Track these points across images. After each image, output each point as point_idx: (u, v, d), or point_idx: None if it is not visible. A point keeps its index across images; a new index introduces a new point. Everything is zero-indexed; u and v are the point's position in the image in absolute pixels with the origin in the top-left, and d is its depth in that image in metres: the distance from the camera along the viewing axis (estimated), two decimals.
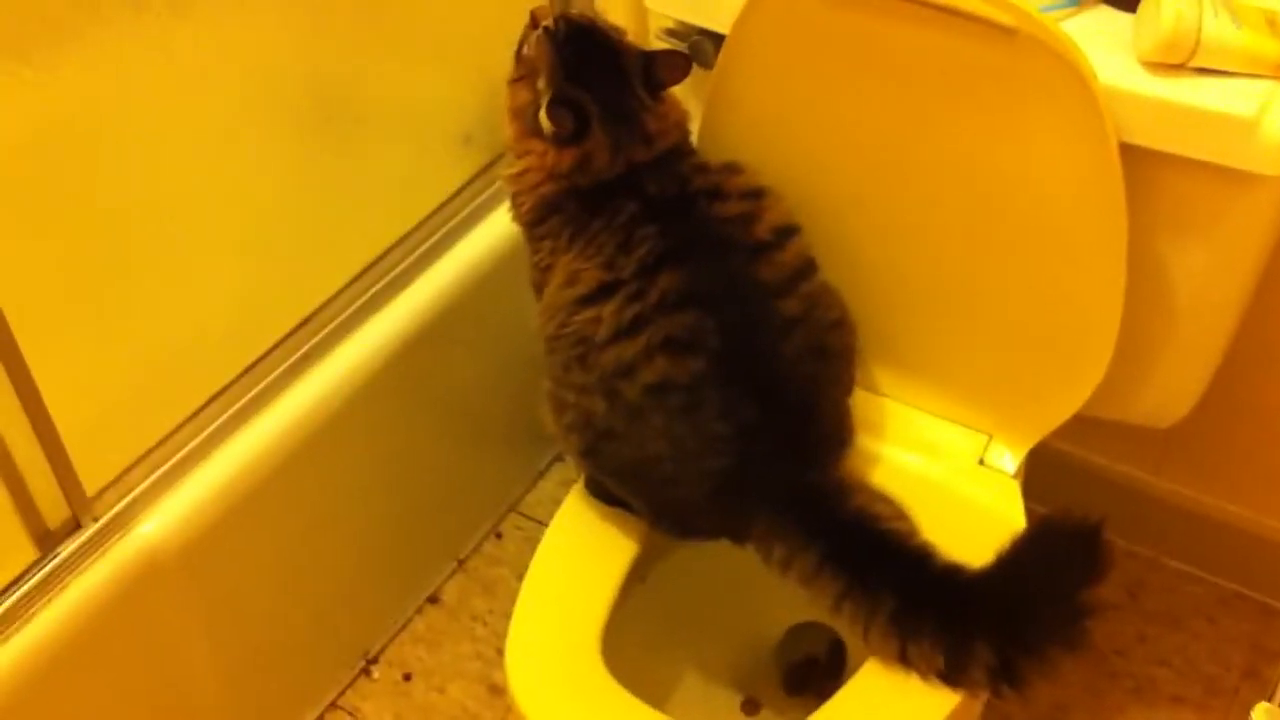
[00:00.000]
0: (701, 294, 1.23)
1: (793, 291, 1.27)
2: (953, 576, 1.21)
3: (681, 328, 1.22)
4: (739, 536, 1.28)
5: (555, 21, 1.32)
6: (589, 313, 1.26)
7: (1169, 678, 1.69)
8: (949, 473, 1.40)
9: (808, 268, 1.30)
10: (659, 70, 1.31)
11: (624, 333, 1.23)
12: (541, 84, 1.31)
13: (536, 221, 1.34)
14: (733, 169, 1.33)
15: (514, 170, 1.35)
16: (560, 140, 1.29)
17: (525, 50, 1.34)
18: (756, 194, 1.31)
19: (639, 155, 1.29)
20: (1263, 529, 1.71)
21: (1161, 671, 1.70)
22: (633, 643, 1.29)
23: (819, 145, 1.37)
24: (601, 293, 1.26)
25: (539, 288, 1.35)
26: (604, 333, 1.24)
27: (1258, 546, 1.72)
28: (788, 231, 1.30)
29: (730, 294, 1.25)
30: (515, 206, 1.37)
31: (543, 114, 1.28)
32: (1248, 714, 0.77)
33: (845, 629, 1.23)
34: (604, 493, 1.37)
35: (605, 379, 1.25)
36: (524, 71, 1.33)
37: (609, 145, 1.28)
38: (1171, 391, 1.41)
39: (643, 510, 1.34)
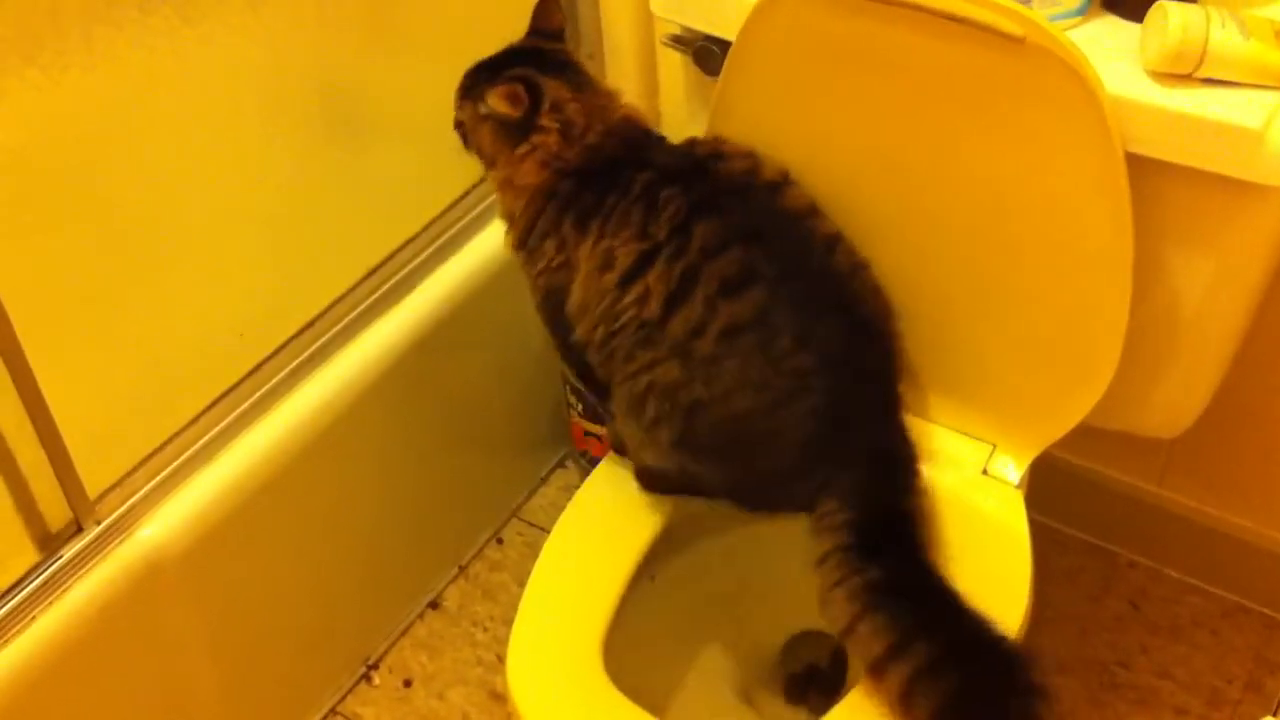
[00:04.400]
0: (740, 231, 1.26)
1: (819, 214, 1.32)
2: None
3: (732, 266, 1.24)
4: (812, 502, 1.27)
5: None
6: (635, 289, 1.26)
7: (1171, 689, 1.69)
8: (953, 482, 1.39)
9: (817, 207, 1.34)
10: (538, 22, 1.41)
11: (678, 295, 1.24)
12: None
13: (531, 223, 1.34)
14: (720, 138, 1.38)
15: (503, 176, 1.36)
16: (522, 117, 1.31)
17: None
18: (749, 153, 1.35)
19: (603, 103, 1.35)
20: (1266, 541, 1.71)
21: (1164, 683, 1.70)
22: (634, 650, 1.29)
23: (824, 152, 1.37)
24: (642, 263, 1.26)
25: (551, 301, 1.35)
26: (656, 304, 1.25)
27: (1261, 558, 1.72)
28: (789, 178, 1.35)
29: (766, 224, 1.28)
30: (512, 217, 1.37)
31: (493, 97, 1.31)
32: None
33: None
34: (661, 483, 1.38)
35: (677, 346, 1.25)
36: (463, 117, 1.39)
37: (571, 99, 1.32)
38: (1176, 402, 1.41)
39: (719, 488, 1.34)
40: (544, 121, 1.31)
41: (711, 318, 1.23)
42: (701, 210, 1.26)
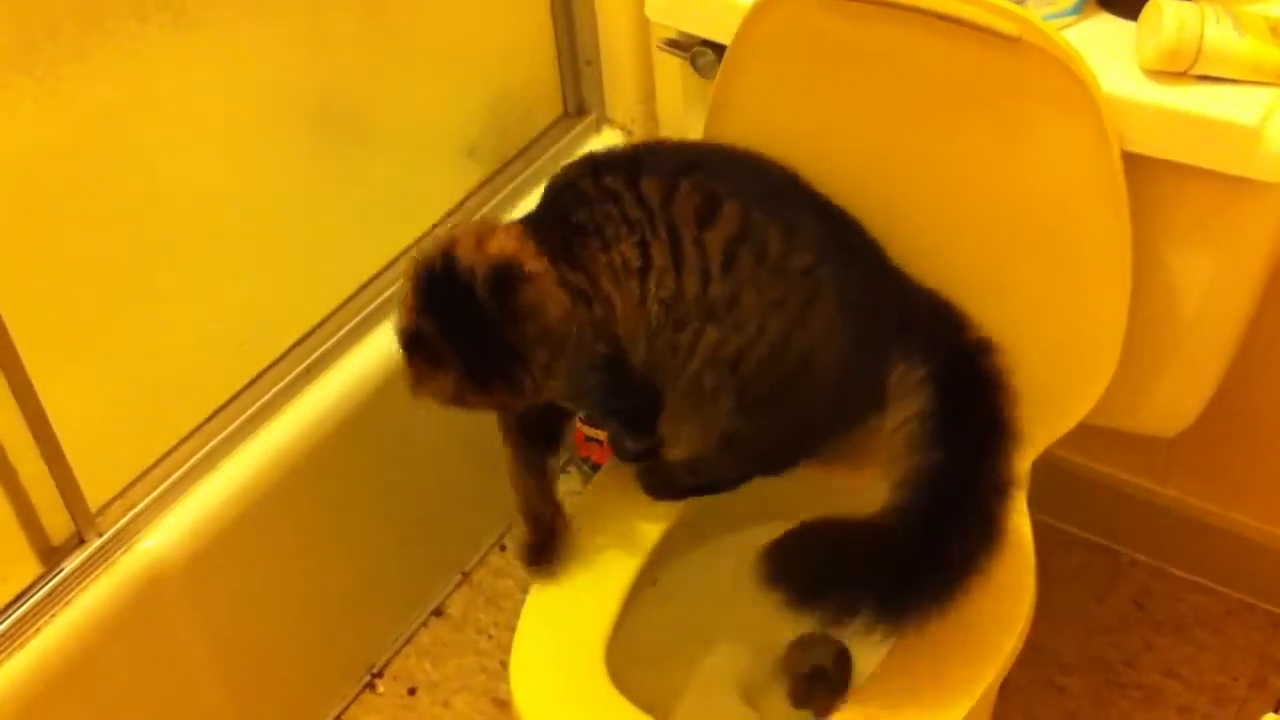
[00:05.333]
0: (680, 166, 1.26)
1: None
2: None
3: (692, 198, 1.23)
4: (883, 384, 1.26)
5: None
6: (651, 276, 1.24)
7: (1176, 688, 1.69)
8: None
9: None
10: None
11: (676, 255, 1.23)
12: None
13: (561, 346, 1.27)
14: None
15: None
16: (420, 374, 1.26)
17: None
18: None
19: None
20: (1270, 538, 1.70)
21: (1168, 682, 1.69)
22: (638, 654, 1.29)
23: (821, 153, 1.37)
24: (643, 249, 1.25)
25: (614, 356, 1.28)
26: (669, 278, 1.24)
27: (1265, 556, 1.72)
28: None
29: (700, 155, 1.30)
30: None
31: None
32: None
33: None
34: (672, 489, 1.37)
35: (702, 307, 1.24)
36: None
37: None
38: (1177, 400, 1.41)
39: (763, 457, 1.33)
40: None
41: (709, 257, 1.22)
42: (643, 171, 1.25)
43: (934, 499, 1.18)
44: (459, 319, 1.24)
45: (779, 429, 1.31)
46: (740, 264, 1.23)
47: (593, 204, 1.26)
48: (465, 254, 1.24)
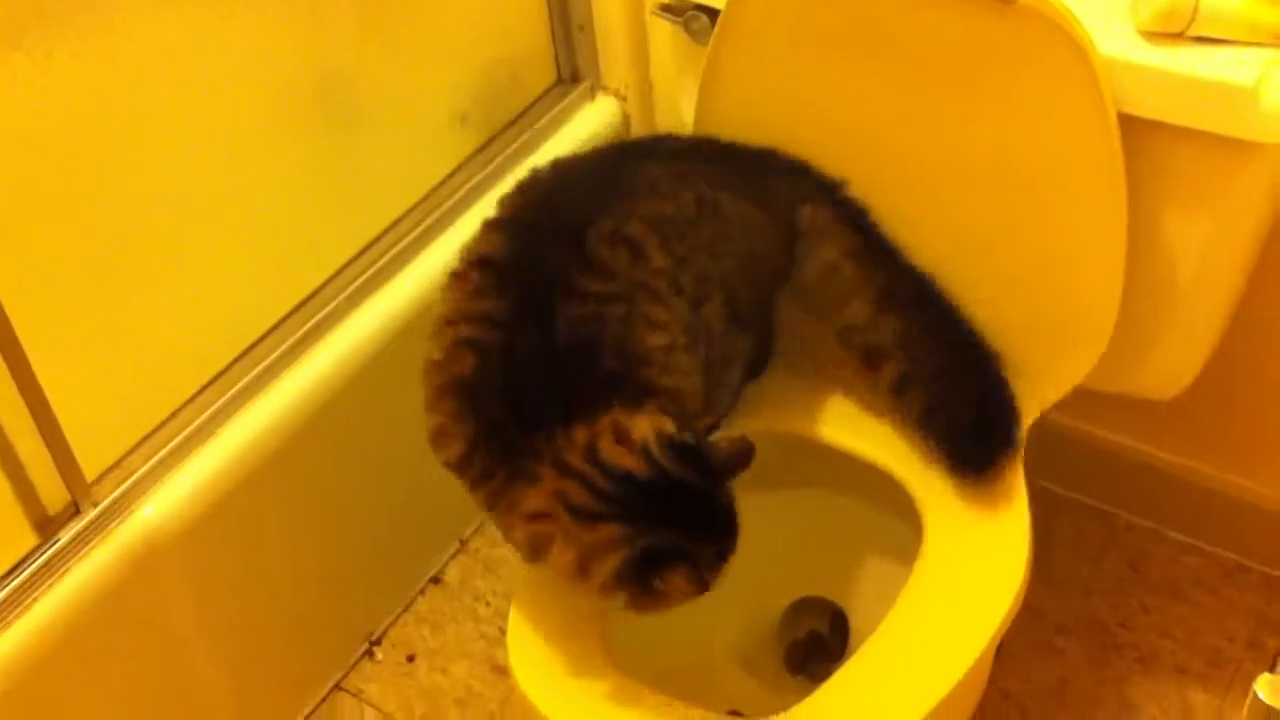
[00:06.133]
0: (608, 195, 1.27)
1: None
2: None
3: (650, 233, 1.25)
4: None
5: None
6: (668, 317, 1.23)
7: (1172, 649, 1.69)
8: None
9: None
10: None
11: (679, 261, 1.26)
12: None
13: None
14: None
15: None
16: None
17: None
18: None
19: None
20: (1265, 500, 1.71)
21: (1164, 643, 1.70)
22: (634, 621, 1.29)
23: (815, 118, 1.36)
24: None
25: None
26: (672, 298, 1.25)
27: (1260, 518, 1.72)
28: None
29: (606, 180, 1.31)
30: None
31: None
32: (1250, 684, 0.77)
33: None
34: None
35: (711, 282, 1.28)
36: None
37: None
38: (1173, 363, 1.41)
39: (750, 368, 1.38)
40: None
41: (660, 268, 1.23)
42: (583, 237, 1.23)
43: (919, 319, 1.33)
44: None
45: (763, 323, 1.38)
46: (676, 246, 1.25)
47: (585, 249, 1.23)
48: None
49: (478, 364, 1.19)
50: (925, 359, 1.33)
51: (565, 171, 1.34)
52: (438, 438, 1.22)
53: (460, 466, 1.21)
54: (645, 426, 1.14)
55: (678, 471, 1.14)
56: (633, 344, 1.19)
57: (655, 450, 1.13)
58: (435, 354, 1.23)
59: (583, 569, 1.13)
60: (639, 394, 1.17)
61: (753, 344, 1.38)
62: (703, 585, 1.13)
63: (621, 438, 1.14)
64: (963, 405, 1.32)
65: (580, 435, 1.14)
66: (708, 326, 1.28)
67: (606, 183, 1.29)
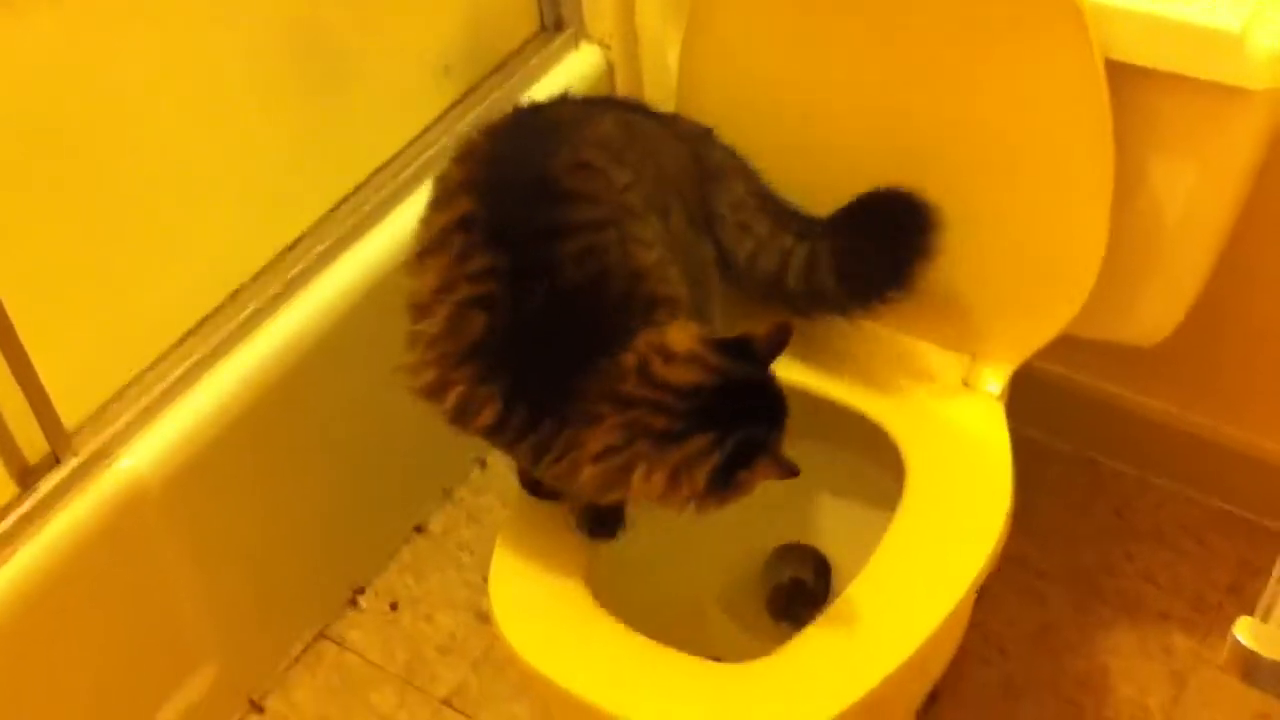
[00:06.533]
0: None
1: None
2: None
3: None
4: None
5: None
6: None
7: (1155, 594, 1.70)
8: (933, 395, 1.39)
9: None
10: None
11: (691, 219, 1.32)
12: None
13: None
14: None
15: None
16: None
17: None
18: None
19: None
20: (1249, 447, 1.71)
21: (1148, 588, 1.71)
22: (617, 565, 1.29)
23: (799, 67, 1.36)
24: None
25: None
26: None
27: (1244, 464, 1.73)
28: None
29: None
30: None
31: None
32: (1230, 627, 0.77)
33: None
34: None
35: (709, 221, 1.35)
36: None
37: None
38: (1158, 309, 1.41)
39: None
40: None
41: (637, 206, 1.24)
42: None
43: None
44: None
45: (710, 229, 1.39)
46: (628, 159, 1.26)
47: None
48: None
49: (489, 321, 1.16)
50: (823, 236, 1.34)
51: (493, 137, 1.28)
52: (464, 409, 1.18)
53: (496, 429, 1.17)
54: (683, 338, 1.15)
55: (735, 369, 1.15)
56: (634, 264, 1.19)
57: (711, 357, 1.14)
58: (432, 329, 1.20)
59: (673, 486, 1.13)
60: (648, 309, 1.18)
61: (714, 247, 1.36)
62: (785, 467, 1.14)
63: (669, 356, 1.14)
64: (868, 243, 1.33)
65: (626, 363, 1.14)
66: (678, 236, 1.27)
67: (540, 131, 1.28)
